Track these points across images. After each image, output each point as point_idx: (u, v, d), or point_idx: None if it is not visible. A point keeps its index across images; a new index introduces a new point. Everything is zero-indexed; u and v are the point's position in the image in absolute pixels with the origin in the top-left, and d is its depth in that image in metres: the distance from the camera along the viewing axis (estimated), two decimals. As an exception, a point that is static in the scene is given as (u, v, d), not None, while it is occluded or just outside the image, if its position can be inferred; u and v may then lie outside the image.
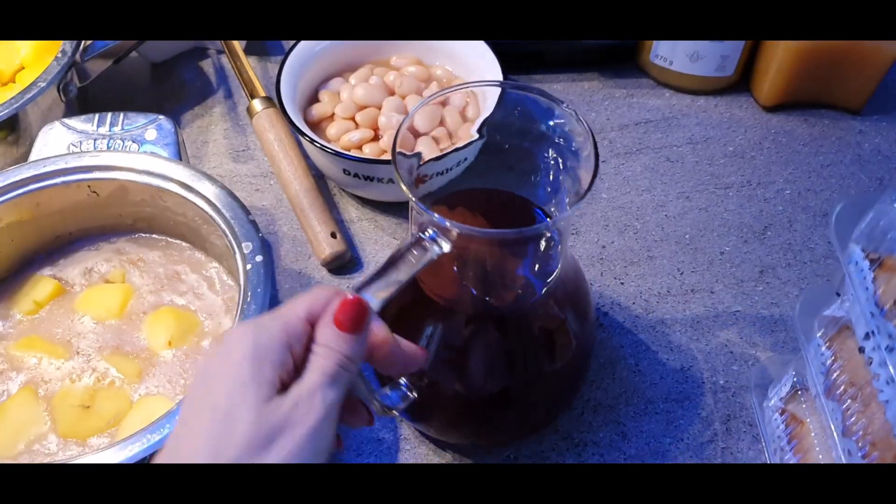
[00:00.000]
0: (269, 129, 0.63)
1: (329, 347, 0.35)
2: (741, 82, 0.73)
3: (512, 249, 0.46)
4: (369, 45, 0.68)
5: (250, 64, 0.67)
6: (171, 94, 0.72)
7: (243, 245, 0.48)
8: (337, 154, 0.58)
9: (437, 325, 0.46)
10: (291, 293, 0.59)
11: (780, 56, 0.67)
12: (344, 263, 0.61)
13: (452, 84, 0.67)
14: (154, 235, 0.56)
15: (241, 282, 0.47)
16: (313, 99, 0.66)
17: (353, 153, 0.61)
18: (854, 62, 0.68)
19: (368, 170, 0.59)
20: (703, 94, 0.73)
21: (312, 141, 0.59)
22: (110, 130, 0.56)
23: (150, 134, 0.55)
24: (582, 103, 0.73)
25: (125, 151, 0.54)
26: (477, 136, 0.58)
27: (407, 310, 0.47)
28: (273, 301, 0.47)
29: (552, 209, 0.48)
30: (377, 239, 0.63)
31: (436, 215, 0.38)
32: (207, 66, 0.75)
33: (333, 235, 0.60)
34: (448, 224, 0.38)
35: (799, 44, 0.66)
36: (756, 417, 0.54)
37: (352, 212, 0.65)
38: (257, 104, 0.64)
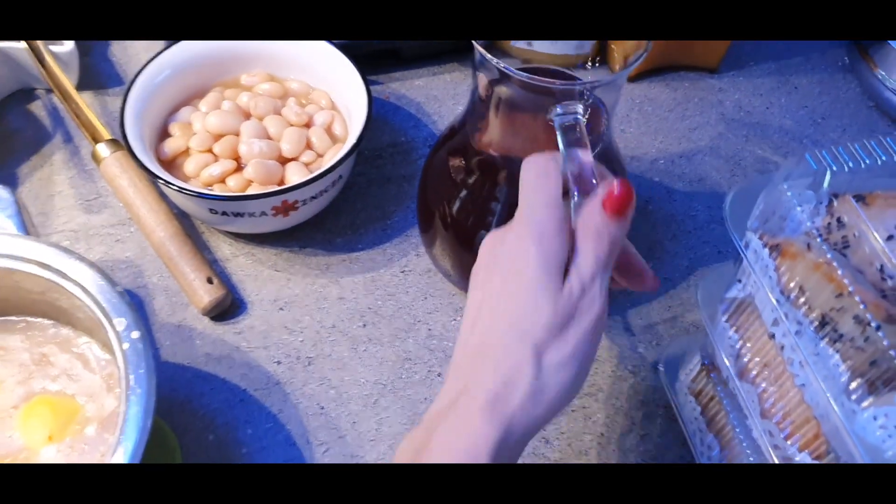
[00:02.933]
0: (120, 175, 0.58)
1: (599, 232, 0.37)
2: (599, 56, 0.72)
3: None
4: (214, 65, 0.63)
5: (86, 102, 0.61)
6: (0, 146, 0.65)
7: (115, 322, 0.44)
8: (199, 195, 0.54)
9: (490, 179, 0.50)
10: (173, 350, 0.55)
11: (636, 27, 0.67)
12: (226, 308, 0.57)
13: (310, 97, 0.63)
14: (11, 318, 0.50)
15: (120, 364, 0.43)
16: (164, 134, 0.60)
17: (217, 189, 0.57)
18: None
19: (237, 206, 0.55)
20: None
21: (169, 184, 0.54)
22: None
23: (-15, 206, 0.49)
24: (447, 97, 0.70)
25: (-43, 231, 0.48)
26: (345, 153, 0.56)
27: (462, 168, 0.52)
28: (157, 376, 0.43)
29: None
30: (257, 274, 0.59)
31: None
32: (38, 108, 0.68)
33: (210, 281, 0.56)
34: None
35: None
36: (670, 399, 0.54)
37: (225, 249, 0.60)
38: (103, 149, 0.58)
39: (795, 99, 0.71)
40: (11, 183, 0.63)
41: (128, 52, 0.72)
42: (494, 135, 0.50)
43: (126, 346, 0.43)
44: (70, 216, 0.61)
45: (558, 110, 0.43)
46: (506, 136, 0.50)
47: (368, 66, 0.68)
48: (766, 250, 0.40)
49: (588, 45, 0.72)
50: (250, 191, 0.56)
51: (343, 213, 0.62)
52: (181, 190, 0.54)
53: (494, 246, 0.40)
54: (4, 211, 0.49)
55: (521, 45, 0.71)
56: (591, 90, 0.46)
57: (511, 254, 0.38)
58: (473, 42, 0.44)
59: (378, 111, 0.69)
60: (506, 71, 0.43)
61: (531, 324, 0.36)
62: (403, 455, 0.37)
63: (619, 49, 0.68)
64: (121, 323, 0.44)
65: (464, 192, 0.52)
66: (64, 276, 0.45)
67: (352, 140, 0.56)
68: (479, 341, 0.38)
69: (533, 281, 0.37)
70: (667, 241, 0.62)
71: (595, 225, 0.38)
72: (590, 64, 0.56)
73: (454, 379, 0.38)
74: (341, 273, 0.59)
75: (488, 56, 0.43)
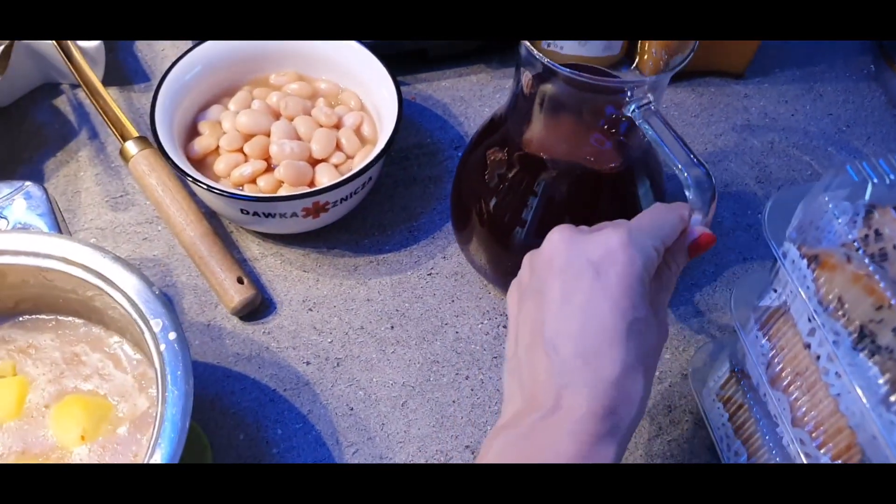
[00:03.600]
0: (149, 174, 0.58)
1: (678, 267, 0.42)
2: (627, 59, 0.72)
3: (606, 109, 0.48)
4: (244, 64, 0.63)
5: (113, 98, 0.61)
6: (27, 142, 0.65)
7: (152, 323, 0.44)
8: (231, 196, 0.54)
9: (532, 177, 0.51)
10: (202, 349, 0.55)
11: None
12: (255, 308, 0.57)
13: (340, 98, 0.63)
14: (42, 316, 0.50)
15: (157, 365, 0.43)
16: (193, 132, 0.61)
17: (248, 190, 0.57)
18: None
19: (268, 207, 0.55)
20: (591, 75, 0.72)
21: (201, 183, 0.54)
22: (-29, 203, 0.49)
23: (19, 205, 0.49)
24: (474, 98, 0.70)
25: (-8, 230, 0.48)
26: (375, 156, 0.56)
27: (505, 164, 0.52)
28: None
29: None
30: (286, 275, 0.59)
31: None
32: (63, 103, 0.68)
33: (240, 281, 0.56)
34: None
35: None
36: (698, 405, 0.54)
37: (254, 249, 0.60)
38: (131, 146, 0.59)
39: (820, 106, 0.71)
40: (38, 179, 0.63)
41: (154, 49, 0.72)
42: (537, 131, 0.50)
43: (163, 346, 0.43)
44: (97, 213, 0.61)
45: (633, 105, 0.44)
46: (549, 133, 0.50)
47: (395, 66, 0.68)
48: (805, 261, 0.40)
49: (617, 47, 0.73)
50: (281, 192, 0.56)
51: (370, 214, 0.62)
52: (212, 189, 0.54)
53: (582, 244, 0.38)
54: (36, 209, 0.49)
55: (549, 46, 0.71)
56: (649, 85, 0.45)
57: (613, 256, 0.37)
58: (526, 44, 0.45)
59: (405, 112, 0.68)
60: (555, 69, 0.43)
61: (636, 332, 0.36)
62: (501, 456, 0.35)
63: (650, 51, 0.68)
64: (157, 324, 0.44)
65: (505, 188, 0.52)
66: (100, 276, 0.45)
67: (382, 142, 0.56)
68: (579, 342, 0.36)
69: (633, 289, 0.36)
70: (693, 247, 0.62)
71: (679, 263, 0.42)
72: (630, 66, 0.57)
73: (549, 377, 0.36)
74: (369, 274, 0.59)
75: (536, 53, 0.43)
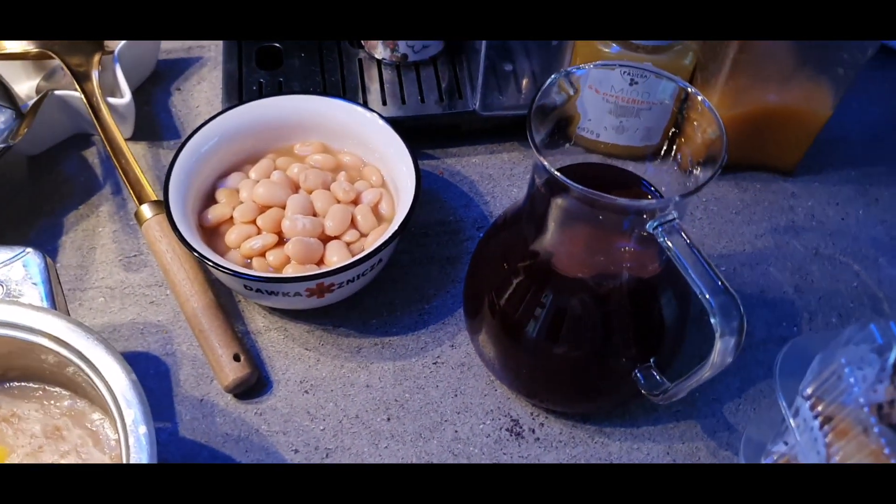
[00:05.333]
0: (160, 239, 0.57)
1: None
2: (668, 150, 0.69)
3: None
4: (269, 133, 0.62)
5: (139, 154, 0.60)
6: (51, 192, 0.65)
7: (125, 413, 0.42)
8: (234, 273, 0.52)
9: (545, 278, 0.48)
10: (192, 426, 0.54)
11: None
12: (251, 386, 0.55)
13: (363, 172, 0.62)
14: (30, 384, 0.50)
15: (123, 455, 0.41)
16: (210, 198, 0.60)
17: (256, 263, 0.56)
18: (787, 124, 0.64)
19: (271, 286, 0.53)
20: (629, 160, 0.69)
21: (207, 259, 0.53)
22: (-31, 268, 0.49)
23: (16, 272, 0.49)
24: (503, 177, 0.68)
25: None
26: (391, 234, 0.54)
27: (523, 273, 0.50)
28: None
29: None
30: (287, 352, 0.57)
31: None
32: (92, 155, 0.68)
33: (237, 358, 0.55)
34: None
35: (731, 111, 0.63)
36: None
37: (259, 321, 0.59)
38: (146, 210, 0.58)
39: (875, 212, 0.66)
40: (57, 232, 0.63)
41: (188, 105, 0.72)
42: (552, 232, 0.48)
43: (132, 439, 0.42)
44: (109, 272, 0.61)
45: (655, 222, 0.42)
46: (564, 236, 0.48)
47: (426, 139, 0.66)
48: (818, 422, 0.37)
49: (656, 138, 0.69)
50: (288, 268, 0.55)
51: (381, 293, 0.60)
52: (217, 267, 0.52)
53: None
54: (32, 278, 0.49)
55: (586, 135, 0.68)
56: (664, 208, 0.43)
57: None
58: (535, 151, 0.43)
59: (430, 186, 0.67)
60: (568, 185, 0.41)
61: None
62: None
63: (689, 144, 0.65)
64: (130, 415, 0.42)
65: (519, 283, 0.50)
66: (81, 356, 0.44)
67: (396, 223, 0.54)
68: None
69: None
70: (718, 357, 0.58)
71: None
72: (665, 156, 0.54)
73: None
74: (372, 358, 0.57)
75: (546, 164, 0.42)
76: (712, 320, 0.40)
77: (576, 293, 0.49)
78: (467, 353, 0.58)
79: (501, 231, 0.54)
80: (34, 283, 0.49)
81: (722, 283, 0.40)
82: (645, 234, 0.43)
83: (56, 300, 0.49)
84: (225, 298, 0.59)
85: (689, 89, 0.46)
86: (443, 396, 0.56)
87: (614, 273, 0.48)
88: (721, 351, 0.40)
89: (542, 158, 0.42)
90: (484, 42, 0.60)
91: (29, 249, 0.50)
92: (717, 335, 0.39)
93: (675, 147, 0.69)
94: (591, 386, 0.52)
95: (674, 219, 0.42)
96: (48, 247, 0.62)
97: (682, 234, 0.42)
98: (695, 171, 0.48)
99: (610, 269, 0.48)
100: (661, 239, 0.42)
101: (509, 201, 0.66)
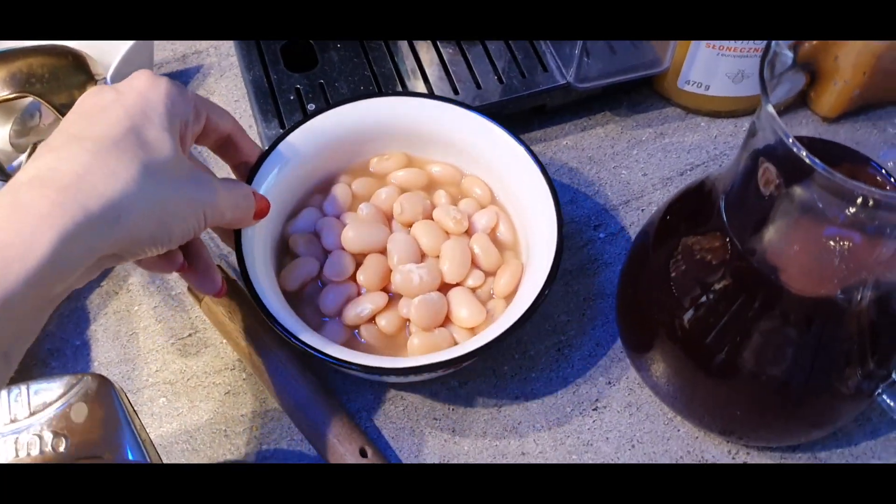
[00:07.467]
0: (230, 319, 0.45)
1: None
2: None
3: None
4: (341, 148, 0.48)
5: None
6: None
7: None
8: (365, 372, 0.40)
9: (777, 309, 0.38)
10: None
11: (854, 59, 0.53)
12: (385, 483, 0.44)
13: (462, 186, 0.49)
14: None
15: None
16: (282, 246, 0.47)
17: (365, 330, 0.44)
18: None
19: (406, 378, 0.41)
20: (746, 116, 0.58)
21: (318, 353, 0.40)
22: (11, 414, 0.36)
23: (78, 412, 0.36)
24: (605, 158, 0.56)
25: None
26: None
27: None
28: None
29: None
30: (413, 427, 0.46)
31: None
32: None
33: (363, 453, 0.43)
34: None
35: (879, 44, 0.52)
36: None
37: (366, 393, 0.47)
38: (204, 282, 0.45)
39: None
40: (81, 321, 0.49)
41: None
42: (771, 242, 0.38)
43: None
44: (163, 362, 0.48)
45: None
46: (790, 247, 0.38)
47: (504, 125, 0.54)
48: None
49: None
50: (413, 339, 0.43)
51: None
52: (340, 364, 0.39)
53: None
54: (100, 412, 0.36)
55: (691, 89, 0.57)
56: None
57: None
58: (770, 110, 0.31)
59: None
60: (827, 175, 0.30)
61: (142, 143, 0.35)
62: None
63: (830, 88, 0.55)
64: None
65: (713, 304, 0.40)
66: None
67: (542, 262, 0.42)
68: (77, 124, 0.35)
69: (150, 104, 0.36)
70: None
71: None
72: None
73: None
74: (517, 416, 0.47)
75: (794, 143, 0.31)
76: None
77: (807, 310, 0.39)
78: (631, 390, 0.47)
79: (670, 234, 0.43)
80: (106, 426, 0.36)
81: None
82: None
83: (141, 438, 0.37)
84: (318, 367, 0.47)
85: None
86: (617, 451, 0.45)
87: (855, 285, 0.38)
88: None
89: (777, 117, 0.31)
90: None
91: (87, 376, 0.37)
92: None
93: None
94: (819, 415, 0.42)
95: None
96: (75, 342, 0.48)
97: None
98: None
99: (850, 281, 0.38)
100: None
101: (623, 187, 0.55)
